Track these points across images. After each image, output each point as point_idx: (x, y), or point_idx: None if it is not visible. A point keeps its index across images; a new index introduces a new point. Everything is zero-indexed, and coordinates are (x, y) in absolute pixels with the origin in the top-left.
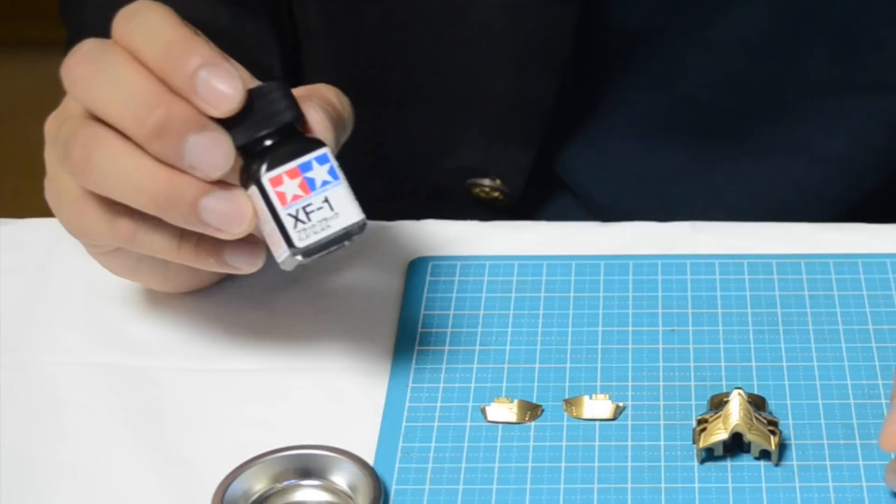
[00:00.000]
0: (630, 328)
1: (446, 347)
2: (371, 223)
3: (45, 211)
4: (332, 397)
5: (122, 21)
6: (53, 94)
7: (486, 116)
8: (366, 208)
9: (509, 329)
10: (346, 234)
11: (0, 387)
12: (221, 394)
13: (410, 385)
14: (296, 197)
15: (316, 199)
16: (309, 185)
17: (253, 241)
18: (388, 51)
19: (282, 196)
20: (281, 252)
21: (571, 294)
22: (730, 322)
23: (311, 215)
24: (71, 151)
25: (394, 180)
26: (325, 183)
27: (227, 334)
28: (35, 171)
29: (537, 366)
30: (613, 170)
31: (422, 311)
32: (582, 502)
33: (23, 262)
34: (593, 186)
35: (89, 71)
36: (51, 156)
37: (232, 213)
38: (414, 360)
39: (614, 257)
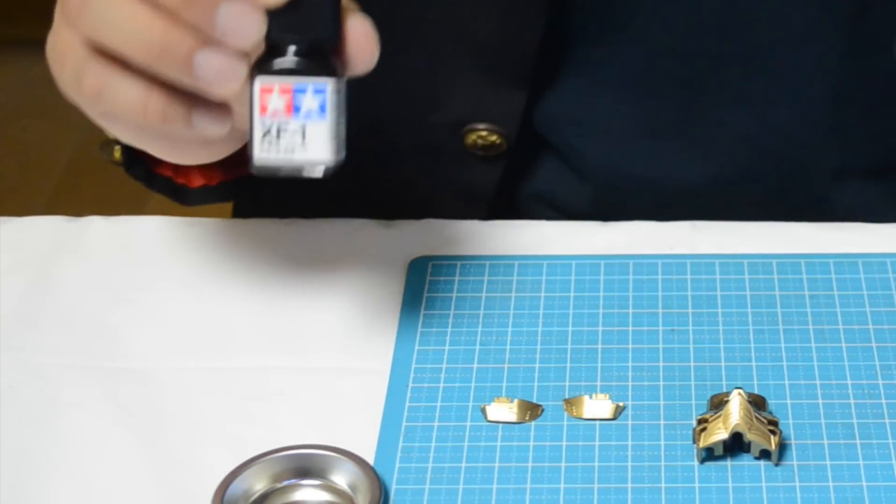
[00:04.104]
0: (630, 328)
1: (446, 347)
2: (371, 223)
3: (45, 210)
4: (332, 397)
5: None
6: (53, 94)
7: (475, 61)
8: (365, 212)
9: (509, 329)
10: (307, 169)
11: (0, 387)
12: (221, 393)
13: (410, 385)
14: (276, 113)
15: (293, 125)
16: (295, 107)
17: (222, 105)
18: (370, 5)
19: (264, 105)
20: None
21: (571, 294)
22: (730, 322)
23: (282, 137)
24: None
25: (386, 140)
26: (309, 113)
27: (226, 334)
28: (35, 170)
29: (537, 366)
30: (601, 126)
31: (422, 311)
32: (582, 502)
33: (23, 261)
34: (582, 145)
35: None
36: (58, 11)
37: (226, 69)
38: (414, 360)
39: (614, 257)
